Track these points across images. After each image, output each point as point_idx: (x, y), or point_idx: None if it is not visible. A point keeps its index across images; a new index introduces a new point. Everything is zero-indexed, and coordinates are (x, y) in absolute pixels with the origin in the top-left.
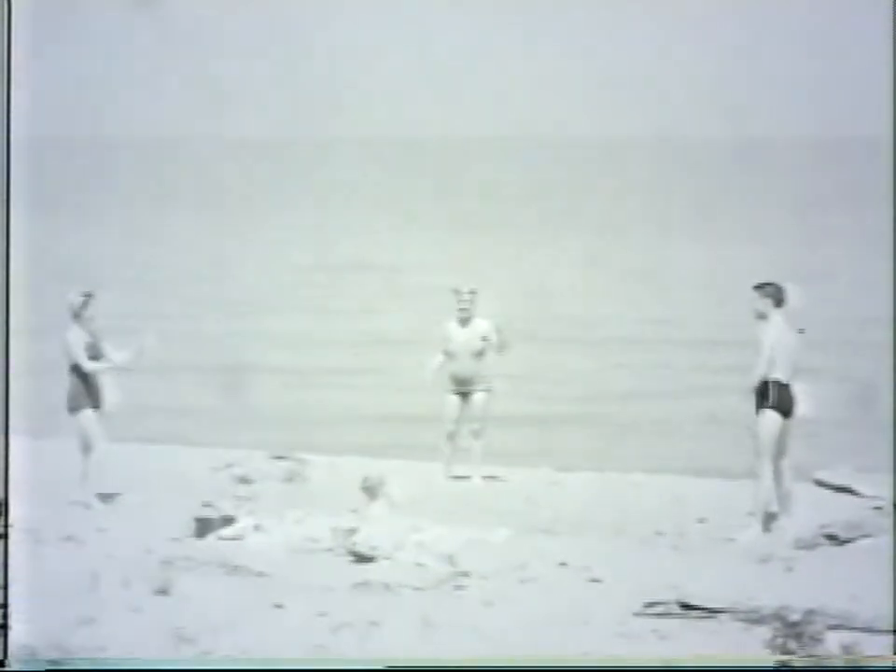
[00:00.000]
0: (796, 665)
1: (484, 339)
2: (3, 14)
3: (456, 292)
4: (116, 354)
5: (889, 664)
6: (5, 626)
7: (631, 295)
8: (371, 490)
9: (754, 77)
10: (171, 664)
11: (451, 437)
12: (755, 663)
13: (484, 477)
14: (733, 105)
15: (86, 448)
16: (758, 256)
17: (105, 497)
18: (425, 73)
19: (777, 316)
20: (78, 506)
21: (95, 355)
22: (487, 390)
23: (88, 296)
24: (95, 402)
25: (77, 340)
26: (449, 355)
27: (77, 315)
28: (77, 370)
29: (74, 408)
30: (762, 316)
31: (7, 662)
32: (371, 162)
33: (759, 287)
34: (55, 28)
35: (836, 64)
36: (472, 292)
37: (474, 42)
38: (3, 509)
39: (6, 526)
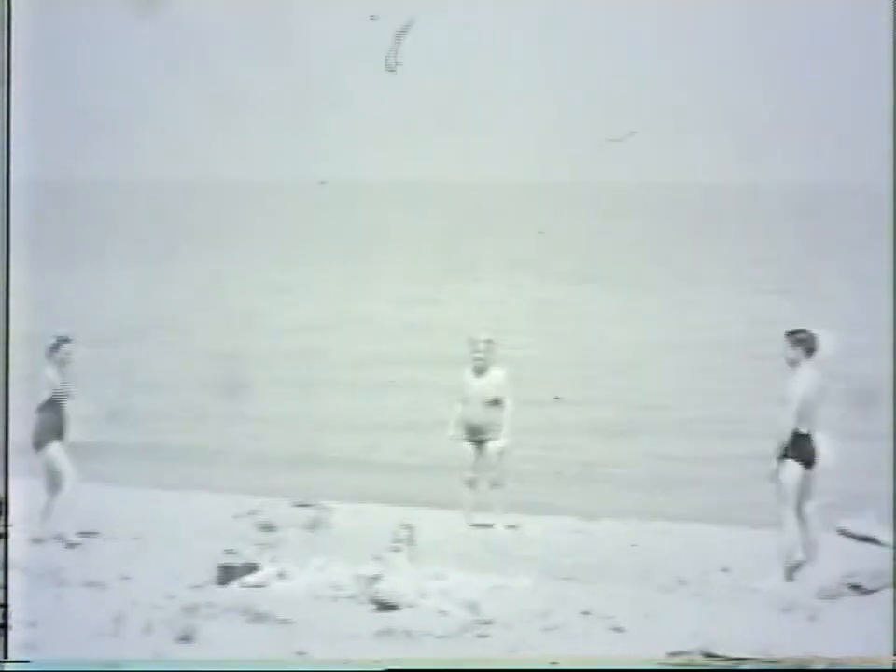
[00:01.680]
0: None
1: (498, 388)
2: (3, 14)
3: (472, 341)
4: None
5: (889, 664)
6: (5, 626)
7: (651, 342)
8: (401, 543)
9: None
10: (171, 664)
11: (470, 484)
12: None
13: (507, 526)
14: (746, 147)
15: (53, 485)
16: (786, 306)
17: (73, 535)
18: (434, 115)
19: (806, 366)
20: (67, 546)
21: (61, 396)
22: (500, 439)
23: (62, 339)
24: (60, 435)
25: (48, 380)
26: (464, 402)
27: (51, 356)
28: (46, 406)
29: (39, 444)
30: (793, 363)
31: (6, 662)
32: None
33: (790, 333)
34: (55, 28)
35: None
36: (489, 341)
37: (478, 86)
38: (3, 508)
39: (6, 526)
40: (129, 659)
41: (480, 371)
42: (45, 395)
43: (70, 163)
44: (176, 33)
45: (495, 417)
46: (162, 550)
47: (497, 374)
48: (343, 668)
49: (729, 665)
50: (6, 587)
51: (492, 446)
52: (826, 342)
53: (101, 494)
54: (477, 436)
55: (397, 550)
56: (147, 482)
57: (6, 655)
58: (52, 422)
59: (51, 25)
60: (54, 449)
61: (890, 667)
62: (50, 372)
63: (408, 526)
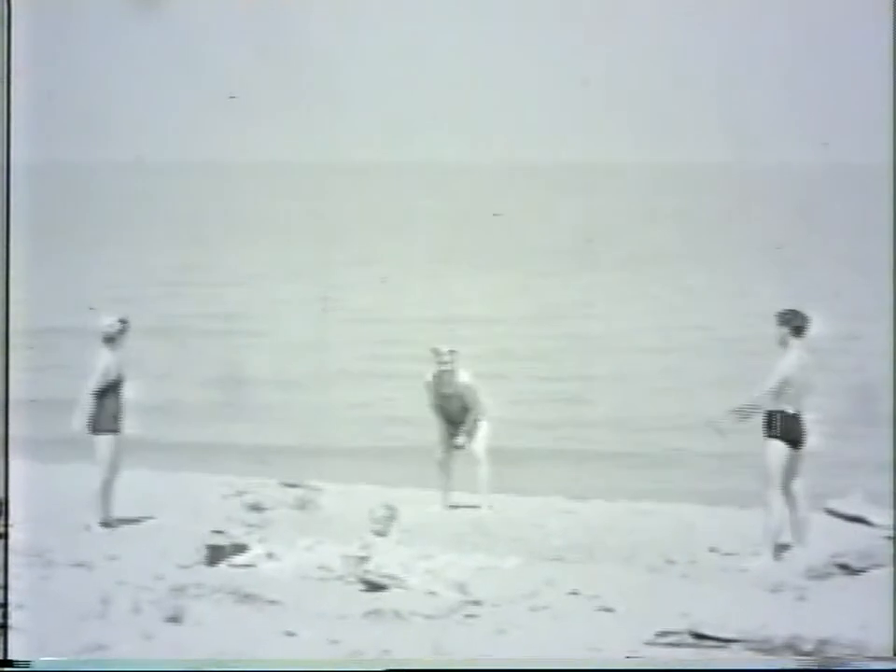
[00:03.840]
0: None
1: (465, 397)
2: (3, 14)
3: (436, 353)
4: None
5: (888, 664)
6: (5, 626)
7: (641, 324)
8: (381, 522)
9: (755, 97)
10: (171, 664)
11: (442, 465)
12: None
13: (492, 506)
14: (738, 128)
15: (99, 471)
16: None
17: (107, 523)
18: (426, 96)
19: (794, 346)
20: (87, 530)
21: (119, 382)
22: (482, 420)
23: (124, 322)
24: (117, 427)
25: (106, 365)
26: (437, 401)
27: (110, 340)
28: (103, 393)
29: (97, 430)
30: (783, 343)
31: (6, 662)
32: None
33: (779, 314)
34: (55, 29)
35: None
36: (452, 351)
37: (472, 67)
38: (3, 508)
39: (6, 526)
40: (129, 659)
41: (447, 382)
42: (101, 381)
43: (71, 161)
44: (177, 32)
45: (466, 420)
46: (150, 530)
47: (463, 380)
48: (343, 669)
49: (716, 644)
50: (6, 587)
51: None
52: (817, 322)
53: (89, 474)
54: (454, 419)
55: (378, 533)
56: (138, 462)
57: (6, 655)
58: (108, 411)
59: (51, 25)
60: (104, 440)
61: (891, 667)
62: (108, 357)
63: (389, 507)
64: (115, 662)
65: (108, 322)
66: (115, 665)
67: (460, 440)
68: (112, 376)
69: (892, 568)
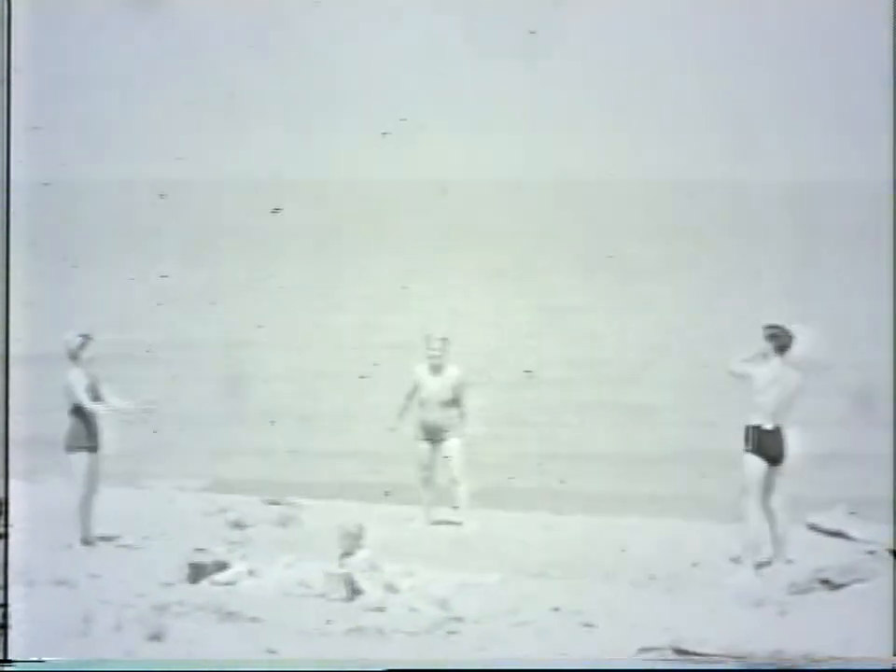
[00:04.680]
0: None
1: (455, 388)
2: (3, 14)
3: (427, 339)
4: (117, 400)
5: (888, 664)
6: (5, 626)
7: (624, 337)
8: (349, 538)
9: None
10: (171, 664)
11: (426, 483)
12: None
13: (474, 521)
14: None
15: (77, 489)
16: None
17: (88, 541)
18: (434, 111)
19: (774, 361)
20: (68, 548)
21: (95, 396)
22: (459, 437)
23: (86, 337)
24: (93, 444)
25: (77, 380)
26: (420, 402)
27: (75, 357)
28: (77, 410)
29: (71, 447)
30: (764, 357)
31: (6, 661)
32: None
33: (766, 328)
34: (55, 28)
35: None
36: (444, 339)
37: (485, 87)
38: (3, 508)
39: (6, 526)
40: (129, 659)
41: (436, 370)
42: (78, 397)
43: (72, 162)
44: (177, 33)
45: (451, 416)
46: (132, 548)
47: (452, 373)
48: (342, 669)
49: (703, 661)
50: (6, 587)
51: (448, 445)
52: (804, 340)
53: (68, 491)
54: (433, 435)
55: (345, 553)
56: (117, 480)
57: (6, 655)
58: (85, 428)
59: (51, 25)
60: (80, 458)
61: (890, 667)
62: (79, 374)
63: (355, 526)
64: (115, 662)
65: (69, 337)
66: (115, 666)
67: (455, 439)
68: (80, 392)
69: (877, 583)
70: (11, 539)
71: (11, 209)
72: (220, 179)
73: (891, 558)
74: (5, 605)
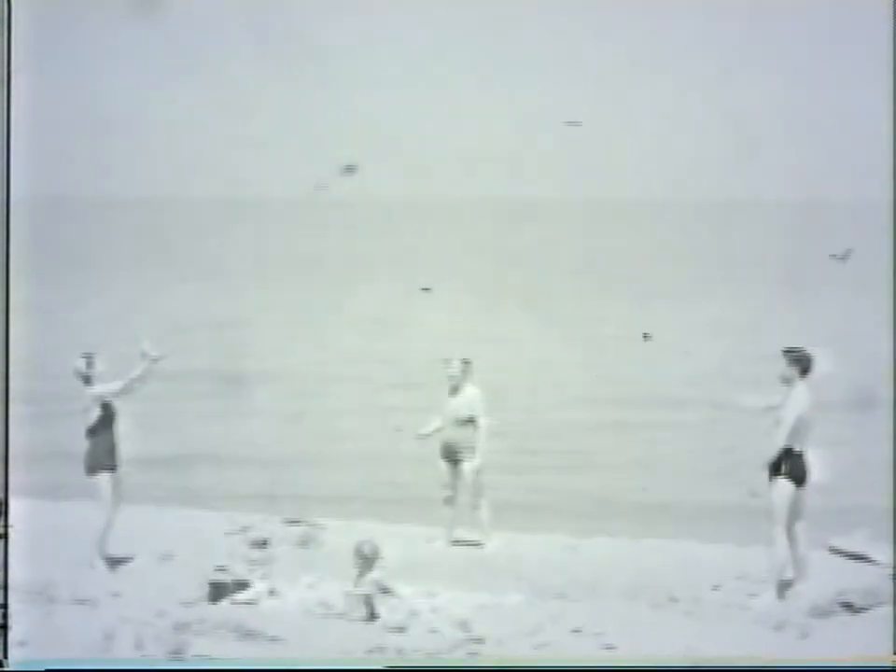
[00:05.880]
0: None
1: (472, 408)
2: (3, 14)
3: (445, 361)
4: (113, 384)
5: (888, 664)
6: (5, 626)
7: (636, 360)
8: (366, 559)
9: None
10: (171, 664)
11: (448, 502)
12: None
13: (495, 541)
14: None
15: (100, 509)
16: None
17: (112, 561)
18: (436, 137)
19: (801, 385)
20: (90, 567)
21: (109, 414)
22: (474, 459)
23: (89, 356)
24: (113, 464)
25: (86, 405)
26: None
27: (88, 378)
28: (94, 432)
29: (93, 469)
30: (786, 381)
31: (6, 662)
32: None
33: (787, 351)
34: (55, 28)
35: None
36: (464, 361)
37: (483, 104)
38: (3, 508)
39: (6, 526)
40: (129, 659)
41: (454, 391)
42: (92, 416)
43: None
44: (178, 33)
45: (469, 437)
46: (153, 566)
47: (471, 394)
48: (342, 668)
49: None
50: (6, 587)
51: (467, 466)
52: (822, 361)
53: (90, 511)
54: (452, 455)
55: (360, 573)
56: (139, 497)
57: (6, 655)
58: (103, 449)
59: (51, 25)
60: (102, 479)
61: (890, 666)
62: (88, 395)
63: (372, 549)
64: (115, 662)
65: (77, 362)
66: (115, 665)
67: (473, 461)
68: (96, 414)
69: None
70: (31, 558)
71: (11, 209)
72: (227, 196)
73: None
74: (5, 605)
